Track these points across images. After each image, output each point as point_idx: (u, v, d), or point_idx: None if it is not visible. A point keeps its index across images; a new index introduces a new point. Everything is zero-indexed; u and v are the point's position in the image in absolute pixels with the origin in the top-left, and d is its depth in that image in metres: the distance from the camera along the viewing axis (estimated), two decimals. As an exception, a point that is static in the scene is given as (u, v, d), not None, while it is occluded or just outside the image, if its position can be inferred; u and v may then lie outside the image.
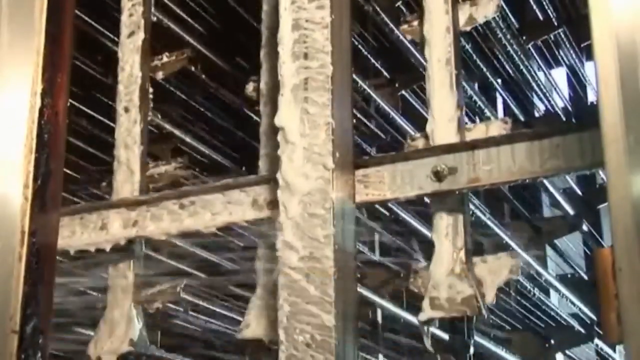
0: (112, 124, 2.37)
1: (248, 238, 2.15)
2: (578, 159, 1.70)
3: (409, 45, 3.97)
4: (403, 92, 4.63)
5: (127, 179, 2.24)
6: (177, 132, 3.15)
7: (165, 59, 2.46)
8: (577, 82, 6.14)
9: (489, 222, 3.86)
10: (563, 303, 5.38)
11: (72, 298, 2.58)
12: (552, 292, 5.32)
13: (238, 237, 2.56)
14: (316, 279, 1.73)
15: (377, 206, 2.56)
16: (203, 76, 3.72)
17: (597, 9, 1.37)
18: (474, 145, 1.80)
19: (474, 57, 4.56)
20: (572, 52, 5.66)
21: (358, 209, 1.89)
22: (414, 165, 1.84)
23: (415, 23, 2.04)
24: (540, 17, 5.29)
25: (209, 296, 3.56)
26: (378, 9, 3.99)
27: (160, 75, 2.46)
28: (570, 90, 6.19)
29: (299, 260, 1.75)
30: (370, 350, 4.19)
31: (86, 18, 3.62)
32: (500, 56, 4.94)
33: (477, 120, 4.59)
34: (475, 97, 4.65)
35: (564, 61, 5.86)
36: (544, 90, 5.41)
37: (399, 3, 4.10)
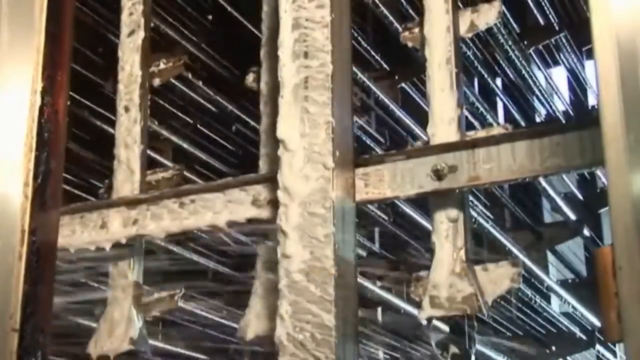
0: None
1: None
2: (578, 157, 1.70)
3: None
4: (403, 84, 4.63)
5: (127, 178, 2.24)
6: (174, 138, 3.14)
7: (162, 66, 2.46)
8: (577, 86, 6.15)
9: (490, 229, 3.86)
10: (564, 309, 5.38)
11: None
12: (553, 298, 5.32)
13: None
14: (316, 278, 1.72)
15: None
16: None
17: (597, 9, 1.37)
18: (474, 144, 1.80)
19: (475, 63, 4.57)
20: (573, 56, 5.67)
21: (358, 207, 1.89)
22: (414, 163, 1.84)
23: (416, 30, 2.04)
24: (542, 22, 5.31)
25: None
26: (378, 2, 3.99)
27: (157, 81, 2.45)
28: (571, 94, 6.20)
29: (299, 259, 1.75)
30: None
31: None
32: (501, 61, 4.95)
33: (478, 126, 4.59)
34: (476, 103, 4.66)
35: (564, 65, 5.87)
36: (545, 95, 5.41)
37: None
